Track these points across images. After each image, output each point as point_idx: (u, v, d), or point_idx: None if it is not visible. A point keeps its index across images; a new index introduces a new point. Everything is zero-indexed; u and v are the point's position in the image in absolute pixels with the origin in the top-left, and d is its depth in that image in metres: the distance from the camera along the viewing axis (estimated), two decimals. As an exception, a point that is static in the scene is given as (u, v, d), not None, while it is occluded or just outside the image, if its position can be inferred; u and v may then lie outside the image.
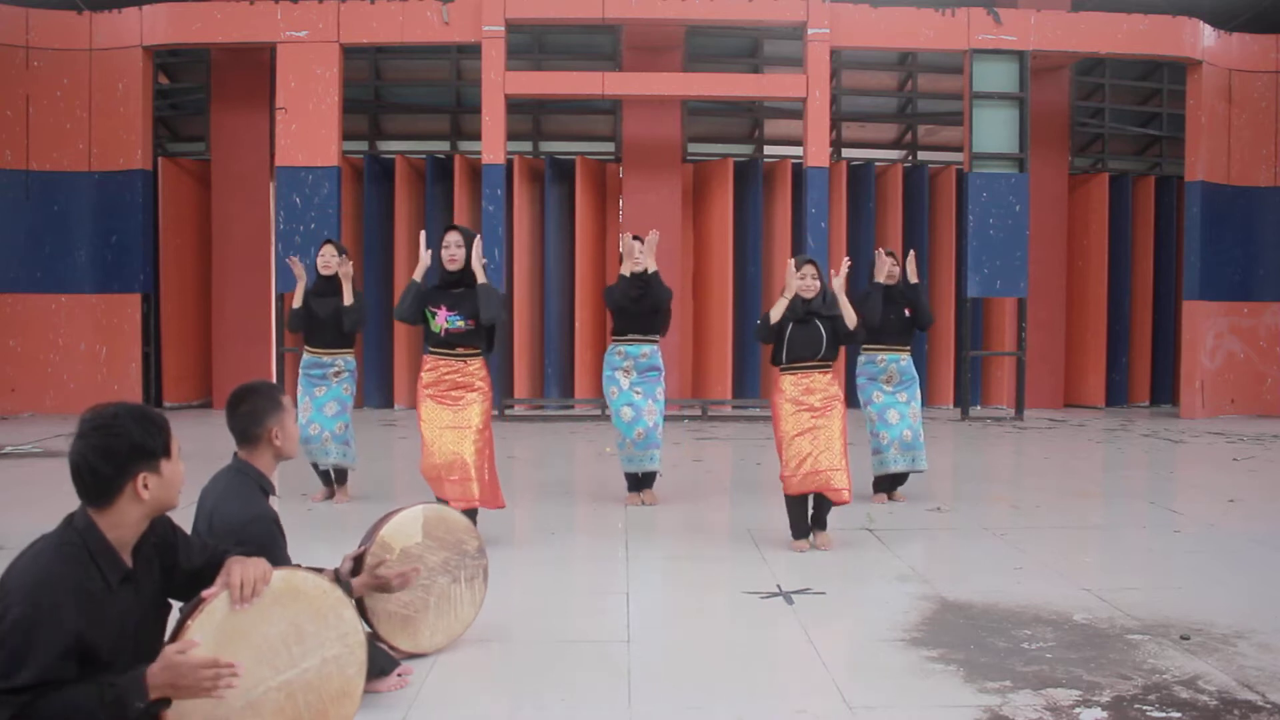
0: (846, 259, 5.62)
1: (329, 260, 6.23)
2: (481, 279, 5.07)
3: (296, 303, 6.30)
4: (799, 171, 11.25)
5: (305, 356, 6.30)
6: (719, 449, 8.98)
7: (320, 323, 6.21)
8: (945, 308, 12.13)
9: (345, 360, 6.27)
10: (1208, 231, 11.43)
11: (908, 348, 6.37)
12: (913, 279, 6.41)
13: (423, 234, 5.55)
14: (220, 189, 11.73)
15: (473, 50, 11.04)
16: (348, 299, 6.18)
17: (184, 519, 2.67)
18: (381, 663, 3.16)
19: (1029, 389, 11.52)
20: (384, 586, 3.29)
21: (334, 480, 6.38)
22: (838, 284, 5.24)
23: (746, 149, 12.83)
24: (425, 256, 5.27)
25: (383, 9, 10.58)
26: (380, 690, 3.12)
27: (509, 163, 11.00)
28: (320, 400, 6.20)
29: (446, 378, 5.08)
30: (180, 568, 2.44)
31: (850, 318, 5.21)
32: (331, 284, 6.23)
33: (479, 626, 3.68)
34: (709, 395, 11.71)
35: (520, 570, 4.78)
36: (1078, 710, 3.04)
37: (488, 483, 5.12)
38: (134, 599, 2.29)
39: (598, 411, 11.14)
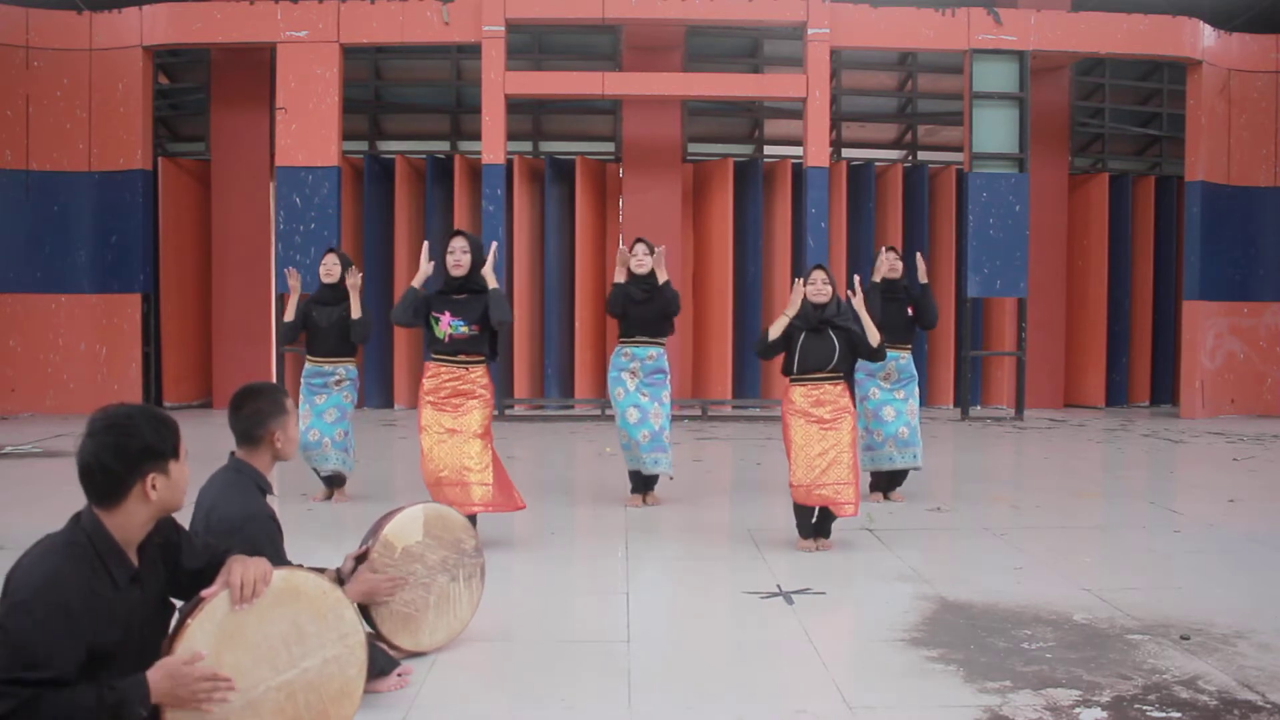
0: (856, 278, 5.55)
1: (331, 269, 6.22)
2: (493, 284, 5.07)
3: (288, 316, 6.30)
4: (799, 171, 11.25)
5: (307, 365, 6.28)
6: (719, 449, 8.98)
7: (323, 332, 6.18)
8: (945, 308, 12.09)
9: (347, 369, 6.25)
10: (1208, 231, 11.42)
11: (908, 346, 6.36)
12: (922, 279, 6.42)
13: (425, 244, 5.49)
14: (220, 189, 11.73)
15: (473, 50, 11.04)
16: (356, 312, 6.13)
17: (182, 519, 2.67)
18: (381, 663, 3.16)
19: (1029, 389, 11.51)
20: (374, 593, 3.29)
21: (333, 483, 6.39)
22: (856, 303, 5.23)
23: (746, 149, 12.83)
24: (426, 266, 5.23)
25: (383, 9, 10.58)
26: (380, 690, 3.12)
27: (509, 163, 11.00)
28: (320, 407, 6.18)
29: (448, 384, 5.06)
30: (183, 568, 2.45)
31: (874, 336, 5.19)
32: (335, 292, 6.20)
33: (479, 626, 3.68)
34: (709, 395, 11.72)
35: (520, 570, 4.78)
36: (1078, 710, 3.04)
37: (497, 486, 5.08)
38: (140, 599, 2.30)
39: (598, 411, 11.14)
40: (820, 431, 5.02)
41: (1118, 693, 3.18)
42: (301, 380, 6.30)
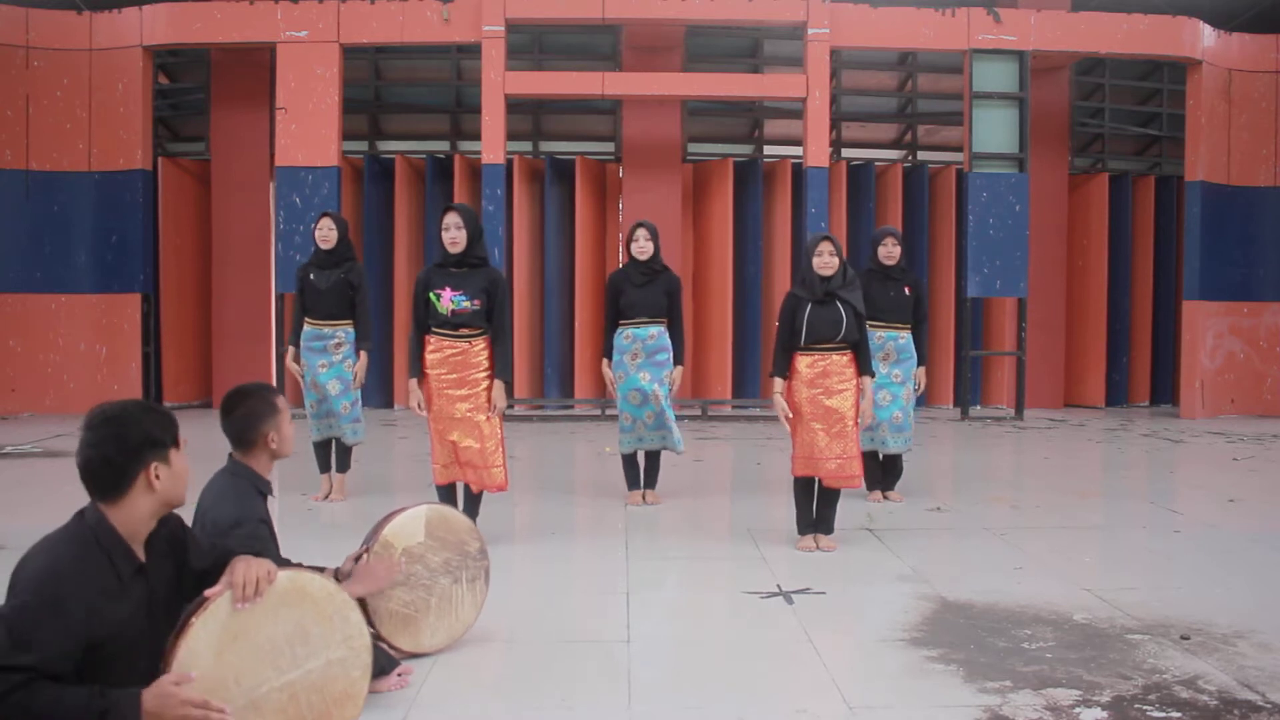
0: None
1: (327, 234, 6.23)
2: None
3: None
4: (799, 171, 11.25)
5: (305, 328, 6.28)
6: (719, 449, 8.98)
7: (321, 294, 6.19)
8: (945, 308, 12.14)
9: (346, 332, 6.26)
10: (1208, 231, 11.43)
11: (908, 326, 6.34)
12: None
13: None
14: (220, 189, 11.73)
15: (473, 50, 11.04)
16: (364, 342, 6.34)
17: (184, 520, 2.68)
18: (382, 662, 3.16)
19: (1029, 389, 11.52)
20: (375, 585, 3.24)
21: (334, 464, 6.37)
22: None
23: (746, 149, 12.84)
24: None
25: (383, 9, 10.58)
26: (380, 690, 3.12)
27: (509, 163, 10.99)
28: (324, 378, 6.20)
29: (451, 359, 5.09)
30: (189, 567, 2.46)
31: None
32: (332, 257, 6.22)
33: (479, 626, 3.68)
34: (709, 395, 11.72)
35: (521, 570, 4.78)
36: (1078, 710, 3.04)
37: (504, 465, 5.19)
38: (148, 593, 2.30)
39: (598, 411, 11.14)
40: (825, 400, 4.99)
41: (1118, 693, 3.18)
42: (300, 343, 6.30)
